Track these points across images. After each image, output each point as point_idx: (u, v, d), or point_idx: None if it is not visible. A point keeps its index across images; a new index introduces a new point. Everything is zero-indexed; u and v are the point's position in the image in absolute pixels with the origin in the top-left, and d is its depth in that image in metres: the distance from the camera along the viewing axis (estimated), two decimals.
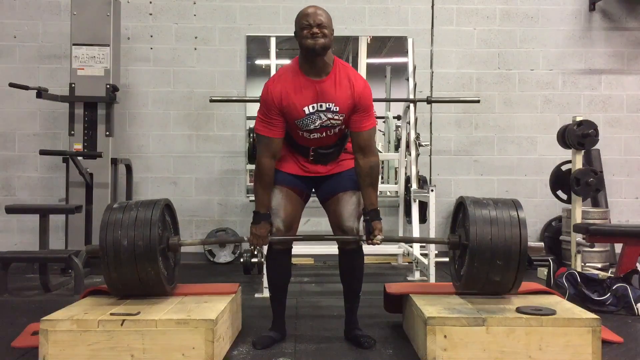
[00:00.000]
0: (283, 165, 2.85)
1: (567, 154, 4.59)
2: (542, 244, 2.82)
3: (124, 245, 2.58)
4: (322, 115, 2.70)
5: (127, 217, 2.63)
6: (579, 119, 4.39)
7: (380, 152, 5.81)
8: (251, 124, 5.39)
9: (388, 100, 5.63)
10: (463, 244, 2.73)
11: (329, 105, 2.68)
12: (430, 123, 5.58)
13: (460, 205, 2.85)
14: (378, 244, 2.74)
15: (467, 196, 2.82)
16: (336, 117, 2.71)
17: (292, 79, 2.70)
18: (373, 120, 2.77)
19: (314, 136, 2.77)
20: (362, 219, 2.82)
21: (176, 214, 2.95)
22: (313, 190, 2.96)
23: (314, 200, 3.01)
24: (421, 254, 4.45)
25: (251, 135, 5.23)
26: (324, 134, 2.77)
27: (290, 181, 2.84)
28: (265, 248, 2.88)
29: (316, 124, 2.72)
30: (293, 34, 2.72)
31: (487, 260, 2.60)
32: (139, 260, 2.58)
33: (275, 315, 2.92)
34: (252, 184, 5.40)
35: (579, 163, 4.40)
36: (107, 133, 4.87)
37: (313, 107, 2.68)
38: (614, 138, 5.61)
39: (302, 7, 2.74)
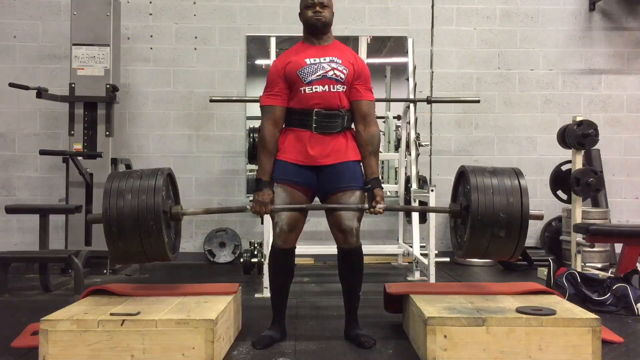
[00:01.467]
0: (284, 152, 2.81)
1: (567, 154, 4.59)
2: (542, 212, 2.81)
3: (127, 211, 2.56)
4: (324, 65, 2.79)
5: (131, 184, 2.62)
6: (579, 119, 4.39)
7: (380, 152, 5.81)
8: (251, 123, 5.39)
9: (388, 100, 5.63)
10: (465, 211, 2.72)
11: (332, 58, 2.81)
12: (430, 123, 5.58)
13: (462, 175, 2.83)
14: (380, 212, 2.75)
15: (468, 165, 2.82)
16: (339, 69, 2.79)
17: (296, 49, 2.88)
18: (372, 95, 2.89)
19: (315, 89, 2.76)
20: (362, 218, 2.82)
21: (177, 184, 2.93)
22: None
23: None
24: (421, 254, 4.46)
25: (251, 135, 5.23)
26: (327, 87, 2.77)
27: (293, 176, 2.80)
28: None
29: (318, 74, 2.77)
30: (298, 15, 2.89)
31: (489, 225, 2.58)
32: (142, 227, 2.56)
33: (275, 315, 2.91)
34: (252, 185, 5.47)
35: (579, 163, 4.40)
36: (107, 133, 4.87)
37: (315, 60, 2.80)
38: (614, 138, 5.61)
39: None
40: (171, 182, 2.87)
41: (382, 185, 2.84)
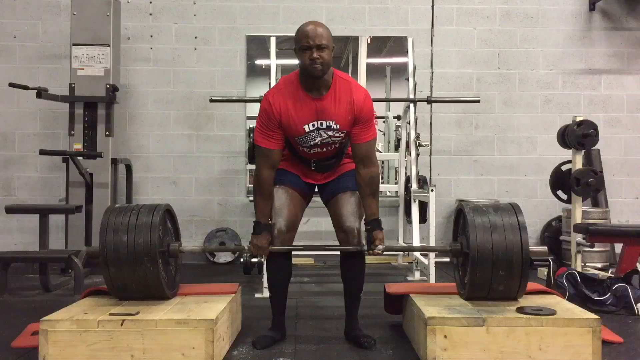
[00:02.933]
0: (287, 165, 2.90)
1: (567, 154, 4.59)
2: (545, 248, 2.80)
3: (124, 248, 2.57)
4: (322, 132, 2.74)
5: (128, 221, 2.62)
6: (579, 118, 4.39)
7: (380, 152, 5.81)
8: (251, 123, 5.39)
9: (388, 100, 5.63)
10: (464, 252, 2.73)
11: (329, 123, 2.72)
12: (430, 123, 5.58)
13: (460, 212, 2.84)
14: (379, 253, 2.76)
15: (466, 202, 2.82)
16: (337, 135, 2.76)
17: (292, 95, 2.72)
18: (373, 131, 2.79)
19: (314, 151, 2.82)
20: (363, 220, 2.84)
21: (177, 219, 2.93)
22: (316, 190, 3.00)
23: (313, 200, 3.03)
24: (421, 254, 4.45)
25: (251, 135, 5.23)
26: (324, 149, 2.82)
27: (294, 182, 2.89)
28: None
29: (316, 141, 2.76)
30: (293, 50, 2.72)
31: (489, 268, 2.59)
32: (139, 264, 2.57)
33: (275, 315, 2.92)
34: (252, 185, 5.47)
35: (579, 163, 4.40)
36: (107, 133, 4.87)
37: (313, 125, 2.72)
38: (614, 138, 5.61)
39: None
40: (170, 218, 2.87)
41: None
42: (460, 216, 2.87)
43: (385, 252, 2.77)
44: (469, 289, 2.69)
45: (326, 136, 2.75)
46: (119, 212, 2.68)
